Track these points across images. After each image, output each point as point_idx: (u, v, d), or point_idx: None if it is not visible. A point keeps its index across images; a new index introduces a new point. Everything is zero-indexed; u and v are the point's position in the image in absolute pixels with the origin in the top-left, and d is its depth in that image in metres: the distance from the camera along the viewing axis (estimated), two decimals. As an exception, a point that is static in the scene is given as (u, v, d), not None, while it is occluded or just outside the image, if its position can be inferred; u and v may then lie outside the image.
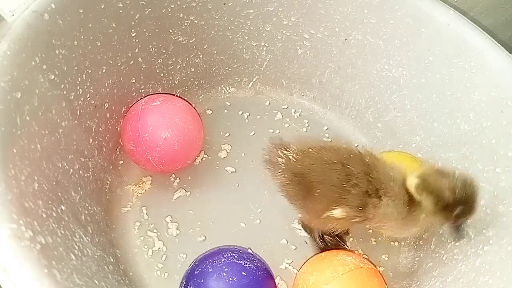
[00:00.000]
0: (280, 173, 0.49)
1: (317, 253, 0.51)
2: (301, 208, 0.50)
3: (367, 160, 0.46)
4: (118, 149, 0.57)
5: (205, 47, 0.62)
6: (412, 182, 0.44)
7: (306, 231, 0.54)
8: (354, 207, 0.45)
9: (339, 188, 0.45)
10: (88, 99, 0.49)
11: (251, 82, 0.68)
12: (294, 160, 0.48)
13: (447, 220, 0.44)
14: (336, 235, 0.54)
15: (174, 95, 0.61)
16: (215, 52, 0.63)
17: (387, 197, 0.44)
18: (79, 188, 0.47)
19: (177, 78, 0.62)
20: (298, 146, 0.49)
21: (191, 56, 0.62)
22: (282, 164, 0.49)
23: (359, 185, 0.45)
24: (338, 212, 0.46)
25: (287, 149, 0.49)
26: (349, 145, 0.49)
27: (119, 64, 0.53)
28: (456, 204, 0.42)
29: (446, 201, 0.42)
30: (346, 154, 0.47)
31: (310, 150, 0.48)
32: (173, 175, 0.58)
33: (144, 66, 0.57)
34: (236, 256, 0.46)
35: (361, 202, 0.44)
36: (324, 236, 0.54)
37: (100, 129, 0.53)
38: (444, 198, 0.42)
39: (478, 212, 0.48)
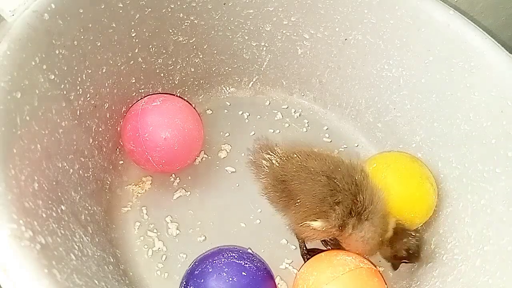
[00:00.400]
0: (263, 177, 0.49)
1: (317, 253, 0.51)
2: (282, 213, 0.50)
3: (356, 178, 0.46)
4: (118, 149, 0.57)
5: (205, 47, 0.62)
6: (390, 230, 0.48)
7: (298, 240, 0.53)
8: (334, 226, 0.46)
9: (321, 201, 0.45)
10: (88, 99, 0.49)
11: (251, 82, 0.68)
12: (278, 165, 0.48)
13: (392, 260, 0.51)
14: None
15: (174, 95, 0.61)
16: (215, 52, 0.63)
17: (368, 223, 0.46)
18: (79, 188, 0.47)
19: (177, 78, 0.62)
20: (283, 150, 0.49)
21: (191, 56, 0.62)
22: (266, 168, 0.49)
23: (344, 204, 0.45)
24: (317, 224, 0.46)
25: (272, 153, 0.49)
26: (340, 155, 0.51)
27: (119, 64, 0.53)
28: (404, 258, 0.49)
29: (399, 255, 0.49)
30: (333, 165, 0.47)
31: (295, 156, 0.48)
32: (173, 175, 0.58)
33: (144, 66, 0.57)
34: (236, 256, 0.46)
35: (343, 223, 0.46)
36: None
37: (100, 129, 0.53)
38: (399, 253, 0.49)
39: (478, 213, 0.48)
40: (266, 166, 0.49)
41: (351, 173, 0.47)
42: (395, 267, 0.51)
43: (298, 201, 0.46)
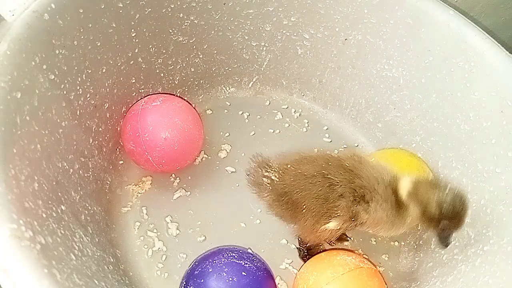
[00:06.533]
0: (266, 195, 0.49)
1: (317, 253, 0.51)
2: (293, 225, 0.49)
3: (347, 165, 0.45)
4: (118, 149, 0.57)
5: (205, 47, 0.62)
6: (404, 187, 0.44)
7: (301, 245, 0.53)
8: (347, 219, 0.45)
9: (324, 200, 0.45)
10: (88, 99, 0.49)
11: (251, 82, 0.68)
12: (277, 180, 0.47)
13: (433, 229, 0.44)
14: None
15: (174, 95, 0.61)
16: (215, 52, 0.63)
17: (374, 202, 0.44)
18: (79, 188, 0.47)
19: (177, 78, 0.62)
20: (278, 163, 0.49)
21: (191, 56, 0.62)
22: (268, 185, 0.48)
23: (345, 195, 0.44)
24: (332, 225, 0.45)
25: (270, 168, 0.48)
26: (324, 151, 0.50)
27: (119, 64, 0.53)
28: (441, 219, 0.43)
29: (431, 214, 0.43)
30: (324, 163, 0.46)
31: (289, 166, 0.48)
32: (173, 175, 0.58)
33: (144, 66, 0.57)
34: (236, 256, 0.46)
35: (353, 213, 0.44)
36: None
37: (100, 129, 0.53)
38: (430, 211, 0.43)
39: (478, 213, 0.48)
40: (267, 183, 0.48)
41: (342, 163, 0.46)
42: (442, 238, 0.44)
43: (304, 207, 0.46)
